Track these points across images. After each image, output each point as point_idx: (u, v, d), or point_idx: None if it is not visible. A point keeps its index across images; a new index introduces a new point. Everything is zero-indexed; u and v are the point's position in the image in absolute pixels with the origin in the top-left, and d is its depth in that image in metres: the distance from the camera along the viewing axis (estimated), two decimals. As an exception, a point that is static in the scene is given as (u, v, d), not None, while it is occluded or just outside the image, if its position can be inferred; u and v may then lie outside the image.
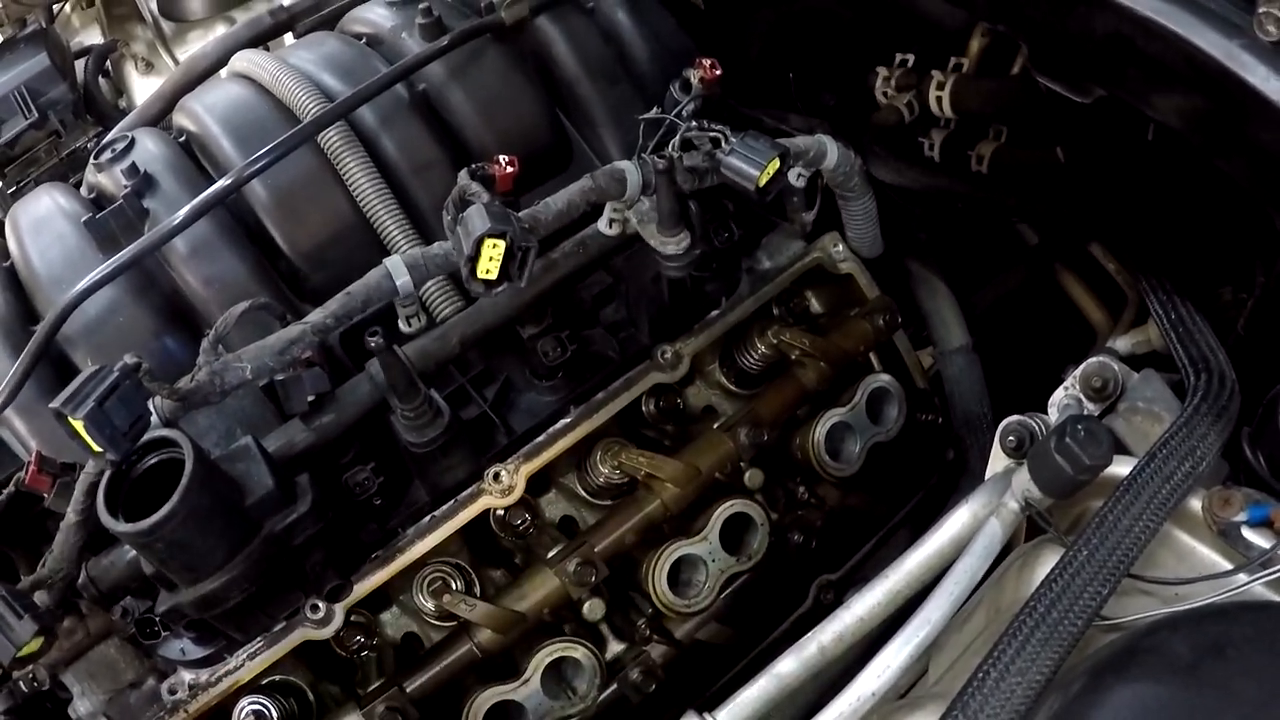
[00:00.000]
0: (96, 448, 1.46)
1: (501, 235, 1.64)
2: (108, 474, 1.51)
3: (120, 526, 1.47)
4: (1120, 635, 1.27)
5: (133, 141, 2.05)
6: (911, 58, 2.41)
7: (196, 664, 1.74)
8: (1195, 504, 1.39)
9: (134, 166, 1.97)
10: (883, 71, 2.43)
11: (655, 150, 1.95)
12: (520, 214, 1.74)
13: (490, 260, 1.66)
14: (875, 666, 1.38)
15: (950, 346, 2.45)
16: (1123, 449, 1.59)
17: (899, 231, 2.45)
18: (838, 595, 2.14)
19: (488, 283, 1.68)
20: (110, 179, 2.01)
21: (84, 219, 1.91)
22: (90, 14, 3.90)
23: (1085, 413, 1.66)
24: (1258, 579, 1.30)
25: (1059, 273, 2.58)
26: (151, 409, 1.59)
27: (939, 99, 2.32)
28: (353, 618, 1.82)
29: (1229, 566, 1.36)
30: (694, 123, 1.93)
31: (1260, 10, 1.28)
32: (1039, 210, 2.38)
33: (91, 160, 2.06)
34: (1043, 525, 1.49)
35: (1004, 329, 2.57)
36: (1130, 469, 1.40)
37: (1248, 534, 1.34)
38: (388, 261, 1.74)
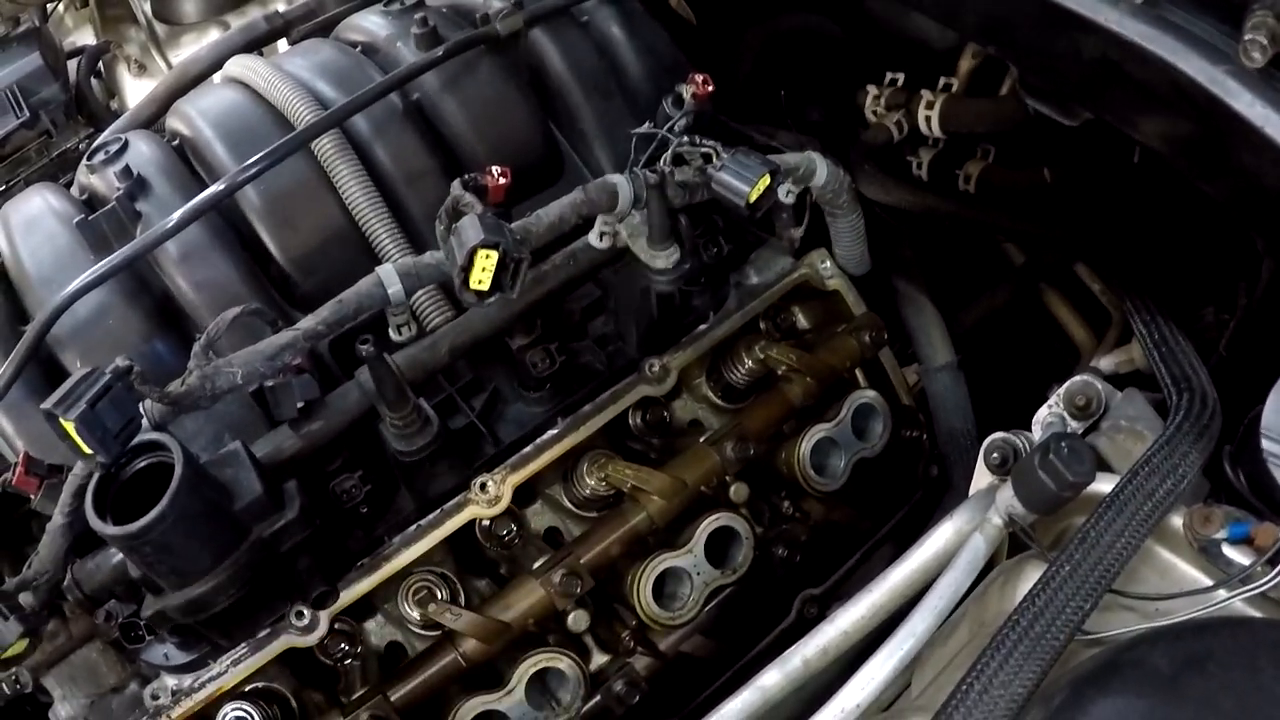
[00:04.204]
0: (87, 450, 1.46)
1: (495, 246, 1.64)
2: (97, 476, 1.51)
3: (108, 529, 1.46)
4: (1101, 649, 1.28)
5: (126, 144, 2.05)
6: (901, 77, 2.44)
7: (180, 669, 1.73)
8: (1176, 521, 1.41)
9: (127, 169, 1.96)
10: (873, 90, 2.46)
11: (647, 164, 1.95)
12: (513, 225, 1.75)
13: (483, 271, 1.66)
14: (860, 679, 1.38)
15: (935, 364, 2.47)
16: (1105, 466, 1.60)
17: (886, 249, 2.46)
18: (821, 609, 2.14)
19: (480, 293, 1.68)
20: (103, 181, 2.01)
21: (76, 220, 1.90)
22: (84, 14, 3.88)
23: (1069, 430, 1.67)
24: (1237, 595, 1.31)
25: (1044, 292, 2.60)
26: (142, 412, 1.59)
27: (928, 118, 2.34)
28: (337, 625, 1.81)
29: (1209, 583, 1.38)
30: (686, 138, 1.94)
31: (1246, 37, 1.30)
32: (1025, 230, 2.40)
33: (84, 161, 2.05)
34: (1026, 541, 1.50)
35: (989, 347, 2.59)
36: (1113, 486, 1.41)
37: (1228, 551, 1.35)
38: (380, 270, 1.74)
